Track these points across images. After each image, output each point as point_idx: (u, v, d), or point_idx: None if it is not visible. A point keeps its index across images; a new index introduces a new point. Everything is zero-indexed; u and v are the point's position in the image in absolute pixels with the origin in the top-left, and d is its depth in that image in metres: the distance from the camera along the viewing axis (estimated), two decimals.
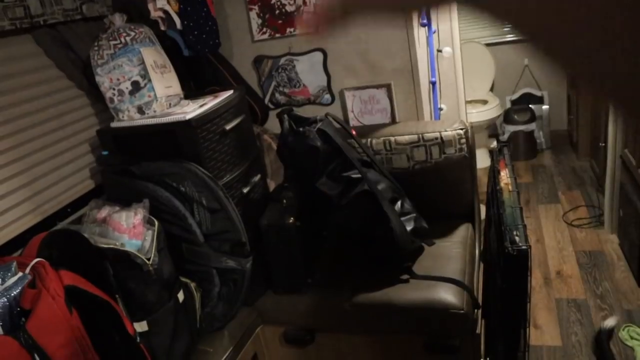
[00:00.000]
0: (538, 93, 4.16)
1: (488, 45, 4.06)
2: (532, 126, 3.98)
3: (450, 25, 2.41)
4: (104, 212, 1.41)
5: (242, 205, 1.59)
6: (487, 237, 2.15)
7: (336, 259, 1.82)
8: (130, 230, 1.35)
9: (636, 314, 2.22)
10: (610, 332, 2.12)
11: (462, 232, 1.89)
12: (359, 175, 1.60)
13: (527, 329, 1.95)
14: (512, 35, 4.15)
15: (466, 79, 2.75)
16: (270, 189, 1.84)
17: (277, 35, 1.98)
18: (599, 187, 3.23)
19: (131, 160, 1.51)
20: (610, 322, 2.13)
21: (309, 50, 1.97)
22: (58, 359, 1.03)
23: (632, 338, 2.08)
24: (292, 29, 1.94)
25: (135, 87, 1.52)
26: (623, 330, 2.13)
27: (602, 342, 2.08)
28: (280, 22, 1.95)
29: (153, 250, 1.34)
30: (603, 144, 2.84)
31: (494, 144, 3.32)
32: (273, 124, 2.05)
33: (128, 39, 1.50)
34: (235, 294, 1.55)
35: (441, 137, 1.79)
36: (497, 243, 1.78)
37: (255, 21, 1.98)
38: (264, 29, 1.98)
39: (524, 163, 4.02)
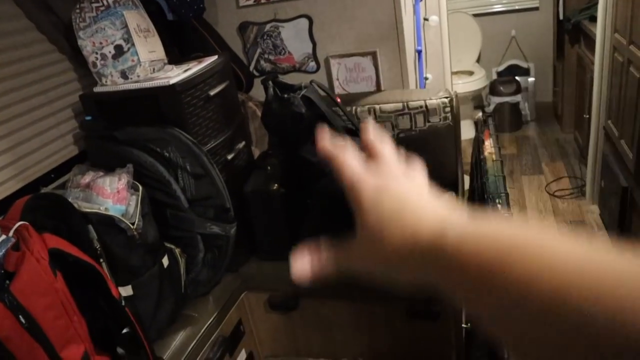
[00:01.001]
0: (524, 65, 4.17)
1: (475, 15, 4.04)
2: (517, 98, 4.00)
3: None
4: (87, 178, 1.41)
5: (227, 172, 1.59)
6: (470, 208, 2.18)
7: (320, 227, 1.84)
8: (114, 195, 1.35)
9: None
10: None
11: None
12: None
13: None
14: (499, 6, 4.13)
15: (453, 50, 2.75)
16: (254, 157, 1.84)
17: (263, 1, 1.95)
18: (581, 159, 3.28)
19: (115, 125, 1.49)
20: None
21: (295, 16, 1.94)
22: (43, 320, 1.04)
23: None
24: None
25: (119, 51, 1.50)
26: None
27: None
28: None
29: (137, 215, 1.34)
30: (587, 116, 2.86)
31: (480, 114, 3.33)
32: (258, 92, 2.04)
33: (111, 1, 1.47)
34: (220, 259, 1.56)
35: (426, 106, 1.79)
36: (479, 211, 1.80)
37: None
38: None
39: (508, 135, 4.05)
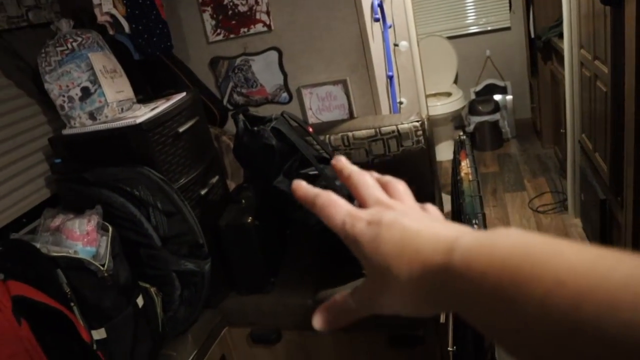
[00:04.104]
0: (501, 83, 4.23)
1: (450, 38, 4.11)
2: (496, 116, 4.04)
3: (405, 20, 2.44)
4: (57, 221, 1.40)
5: (201, 207, 1.59)
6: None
7: (300, 257, 1.83)
8: (83, 237, 1.33)
9: None
10: None
11: None
12: (317, 172, 1.60)
13: None
14: (472, 27, 4.20)
15: (429, 72, 2.78)
16: (230, 190, 1.83)
17: (232, 35, 1.97)
18: (562, 173, 3.30)
19: (84, 167, 1.49)
20: None
21: (264, 49, 1.97)
22: None
23: None
24: (246, 29, 1.94)
25: (85, 93, 1.51)
26: None
27: None
28: (233, 22, 1.95)
29: (108, 256, 1.33)
30: (563, 131, 2.89)
31: (459, 135, 3.36)
32: (232, 126, 2.05)
33: (75, 44, 1.49)
34: (197, 296, 1.54)
35: (398, 130, 1.80)
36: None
37: (209, 22, 1.98)
38: (218, 30, 1.98)
39: (490, 153, 4.07)
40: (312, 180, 1.61)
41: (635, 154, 1.78)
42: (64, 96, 1.52)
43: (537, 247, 0.29)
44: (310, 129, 1.78)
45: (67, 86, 1.50)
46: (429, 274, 0.33)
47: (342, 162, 0.46)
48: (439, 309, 0.36)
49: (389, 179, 0.45)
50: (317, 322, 0.42)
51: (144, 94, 1.83)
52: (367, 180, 0.43)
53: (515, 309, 0.27)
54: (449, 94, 3.90)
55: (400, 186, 0.44)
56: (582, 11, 2.23)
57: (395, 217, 0.37)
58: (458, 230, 0.35)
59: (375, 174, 0.45)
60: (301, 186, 0.43)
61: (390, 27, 2.20)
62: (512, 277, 0.28)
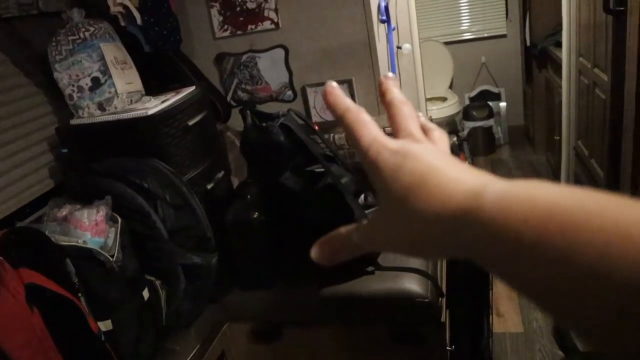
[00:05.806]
0: (495, 90, 4.28)
1: (446, 43, 4.15)
2: (490, 122, 4.09)
3: (409, 23, 2.46)
4: (64, 211, 1.39)
5: (206, 202, 1.58)
6: None
7: (303, 253, 1.83)
8: (92, 227, 1.33)
9: None
10: None
11: None
12: (323, 170, 1.61)
13: (490, 317, 2.00)
14: (469, 34, 4.25)
15: (426, 77, 2.81)
16: (234, 186, 1.83)
17: (239, 32, 1.98)
18: (554, 180, 3.34)
19: (92, 157, 1.48)
20: None
21: (271, 47, 1.97)
22: (18, 358, 1.01)
23: None
24: (253, 26, 1.95)
25: (95, 83, 1.50)
26: None
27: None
28: (241, 19, 1.95)
29: (117, 247, 1.32)
30: (558, 137, 2.94)
31: (454, 139, 3.39)
32: (235, 122, 2.05)
33: (87, 34, 1.48)
34: (202, 290, 1.54)
35: None
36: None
37: (217, 18, 1.98)
38: (225, 26, 1.98)
39: (483, 158, 4.12)
40: (319, 177, 1.62)
41: (633, 159, 1.82)
42: (73, 86, 1.51)
43: (587, 197, 0.26)
44: (316, 127, 1.79)
45: (77, 76, 1.50)
46: (449, 213, 0.31)
47: (388, 83, 0.43)
48: (450, 252, 0.34)
49: (431, 125, 0.43)
50: (316, 253, 0.41)
51: (149, 87, 1.82)
52: (407, 112, 0.41)
53: (566, 260, 0.25)
54: (444, 99, 3.94)
55: (438, 133, 0.42)
56: (582, 20, 2.27)
57: (422, 151, 0.36)
58: (488, 176, 0.33)
59: (422, 117, 0.43)
60: (334, 91, 0.40)
61: (394, 29, 2.22)
62: (563, 226, 0.25)
